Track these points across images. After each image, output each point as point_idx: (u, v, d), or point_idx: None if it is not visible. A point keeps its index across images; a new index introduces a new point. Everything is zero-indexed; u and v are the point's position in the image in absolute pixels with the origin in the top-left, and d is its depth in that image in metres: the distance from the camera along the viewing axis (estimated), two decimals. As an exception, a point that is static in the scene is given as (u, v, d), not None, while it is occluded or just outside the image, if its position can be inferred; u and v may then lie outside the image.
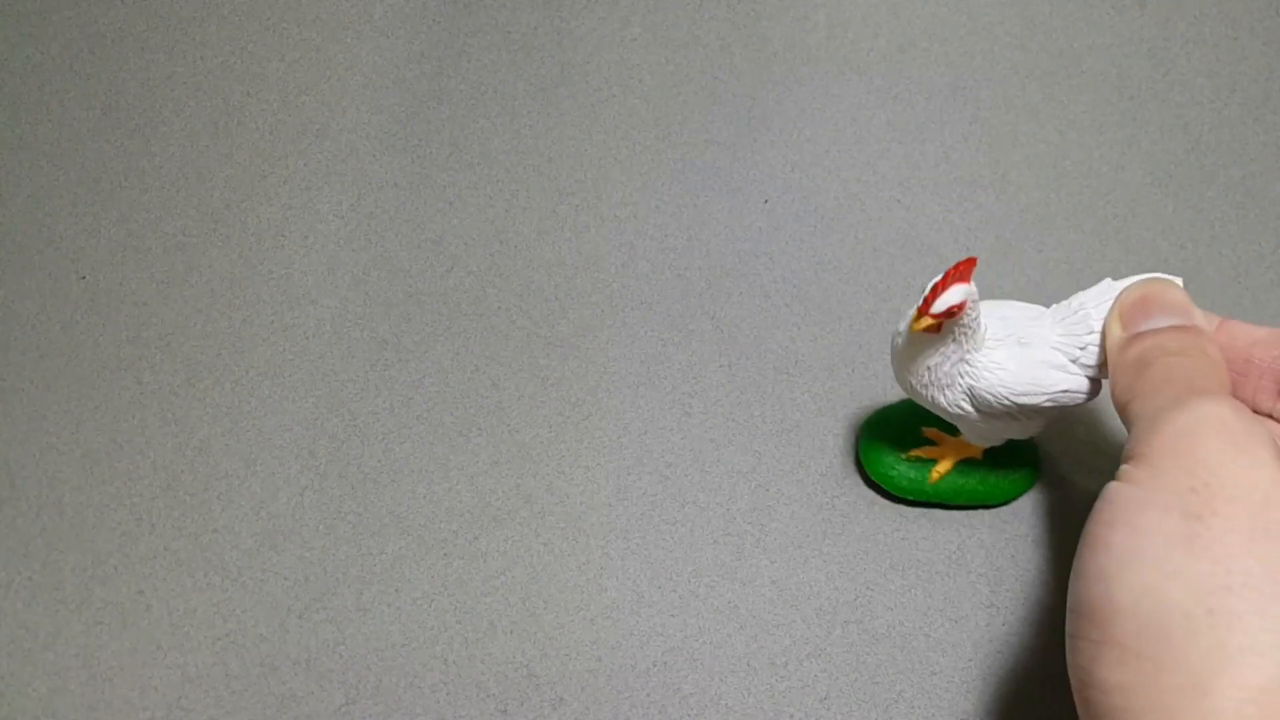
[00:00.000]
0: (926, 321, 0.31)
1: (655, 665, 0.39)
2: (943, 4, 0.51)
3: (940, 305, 0.31)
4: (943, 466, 0.39)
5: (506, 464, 0.42)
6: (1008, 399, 0.33)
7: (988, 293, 0.46)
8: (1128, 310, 0.31)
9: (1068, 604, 0.27)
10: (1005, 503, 0.41)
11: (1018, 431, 0.36)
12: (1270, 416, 0.32)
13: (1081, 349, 0.33)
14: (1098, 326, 0.32)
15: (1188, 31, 0.51)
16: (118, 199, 0.48)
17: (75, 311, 0.46)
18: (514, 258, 0.46)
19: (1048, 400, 0.33)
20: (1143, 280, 0.32)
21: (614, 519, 0.41)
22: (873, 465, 0.40)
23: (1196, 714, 0.23)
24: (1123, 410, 0.29)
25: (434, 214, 0.48)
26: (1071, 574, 0.27)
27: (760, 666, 0.39)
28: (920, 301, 0.31)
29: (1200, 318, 0.31)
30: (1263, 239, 0.46)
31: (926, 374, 0.34)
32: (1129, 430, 0.28)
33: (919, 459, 0.40)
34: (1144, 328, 0.31)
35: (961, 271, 0.31)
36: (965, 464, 0.40)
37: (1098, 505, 0.27)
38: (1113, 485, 0.27)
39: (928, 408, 0.35)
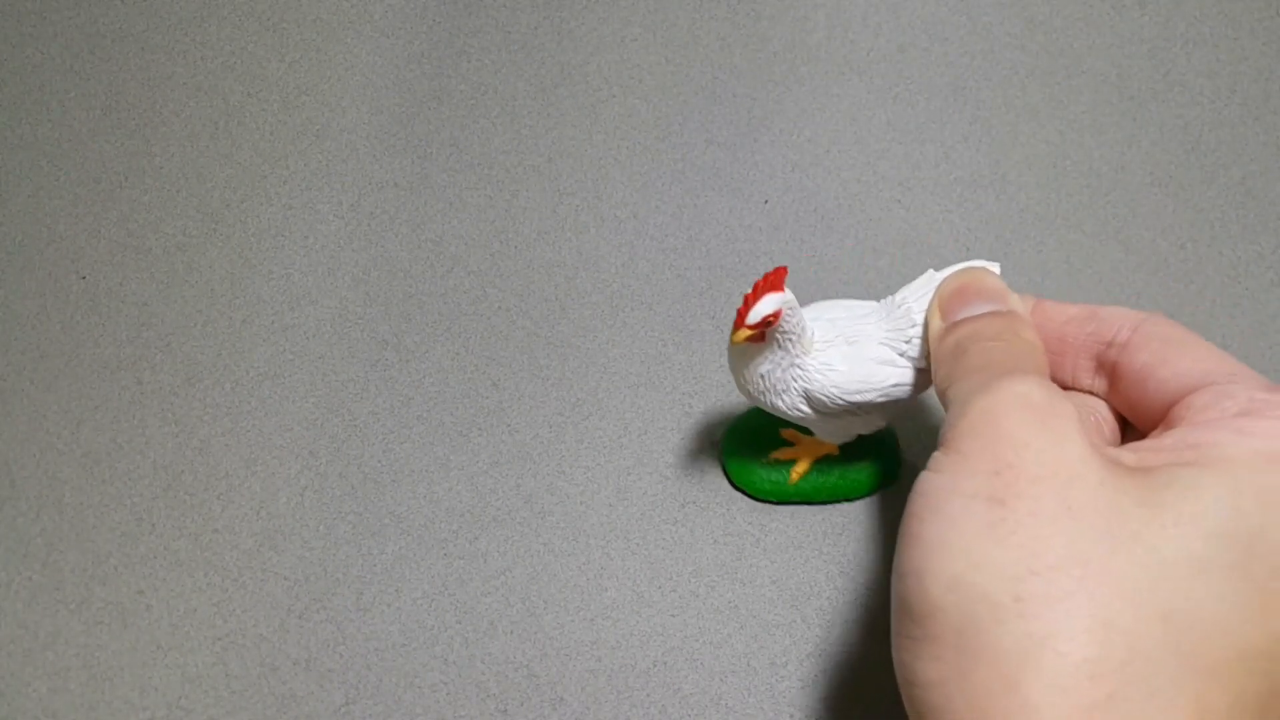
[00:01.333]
0: (745, 333, 0.32)
1: (655, 665, 0.39)
2: (943, 4, 0.51)
3: (754, 316, 0.31)
4: (800, 467, 0.40)
5: (506, 464, 0.42)
6: (841, 399, 0.34)
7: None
8: (946, 300, 0.32)
9: (891, 606, 0.27)
10: (868, 495, 0.41)
11: (862, 426, 0.37)
12: (1092, 393, 0.32)
13: (907, 342, 0.33)
14: (920, 319, 0.33)
15: (1188, 31, 0.50)
16: (118, 199, 0.48)
17: (75, 311, 0.46)
18: (514, 258, 0.46)
19: (879, 396, 0.34)
20: (960, 270, 0.32)
21: (614, 519, 0.41)
22: (736, 472, 0.41)
23: (1008, 708, 0.22)
24: (942, 398, 0.29)
25: (434, 214, 0.48)
26: (892, 571, 0.27)
27: (760, 666, 0.39)
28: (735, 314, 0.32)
29: (1016, 302, 0.31)
30: (1263, 239, 0.46)
31: (761, 381, 0.34)
32: (948, 410, 0.28)
33: (778, 461, 0.40)
34: (961, 316, 0.31)
35: (772, 281, 0.31)
36: (825, 461, 0.40)
37: (910, 497, 0.26)
38: (923, 475, 0.26)
39: (771, 412, 0.36)
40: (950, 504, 0.25)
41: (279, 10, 0.53)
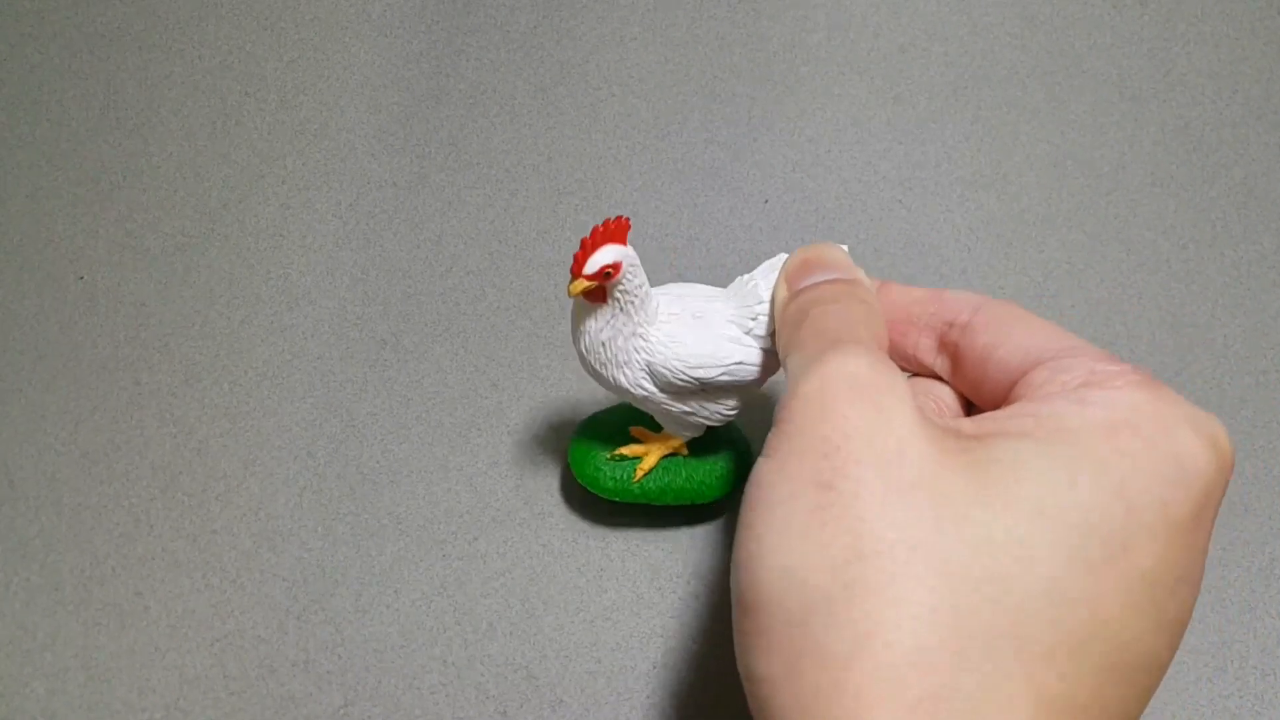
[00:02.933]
0: (581, 284, 0.30)
1: (655, 667, 0.39)
2: (943, 4, 0.51)
3: (592, 265, 0.30)
4: (647, 463, 0.38)
5: (506, 464, 0.42)
6: (684, 373, 0.33)
7: (988, 294, 0.46)
8: (792, 270, 0.31)
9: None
10: (715, 500, 0.39)
11: (709, 415, 0.35)
12: (935, 376, 0.31)
13: (753, 319, 0.33)
14: (766, 296, 0.33)
15: (1188, 31, 0.50)
16: (116, 199, 0.48)
17: (73, 312, 0.46)
18: (514, 258, 0.46)
19: (723, 373, 0.33)
20: (805, 247, 0.32)
21: (613, 520, 0.41)
22: (579, 467, 0.39)
23: (834, 703, 0.21)
24: (785, 368, 0.28)
25: (433, 213, 0.47)
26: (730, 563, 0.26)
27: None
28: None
29: (861, 274, 0.31)
30: (1264, 239, 0.46)
31: (602, 350, 0.33)
32: (787, 383, 0.27)
33: (623, 458, 0.38)
34: (805, 284, 0.30)
35: (612, 231, 0.30)
36: (671, 463, 0.38)
37: (747, 485, 0.25)
38: (759, 461, 0.25)
39: (612, 391, 0.34)
40: (779, 490, 0.24)
41: (277, 9, 0.53)
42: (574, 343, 0.34)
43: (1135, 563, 0.22)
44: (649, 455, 0.38)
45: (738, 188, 0.48)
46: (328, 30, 0.52)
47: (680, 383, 0.33)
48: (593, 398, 0.43)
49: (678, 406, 0.34)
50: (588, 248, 0.30)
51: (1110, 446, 0.23)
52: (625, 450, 0.38)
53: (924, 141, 0.48)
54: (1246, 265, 0.45)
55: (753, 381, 0.34)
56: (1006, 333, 0.28)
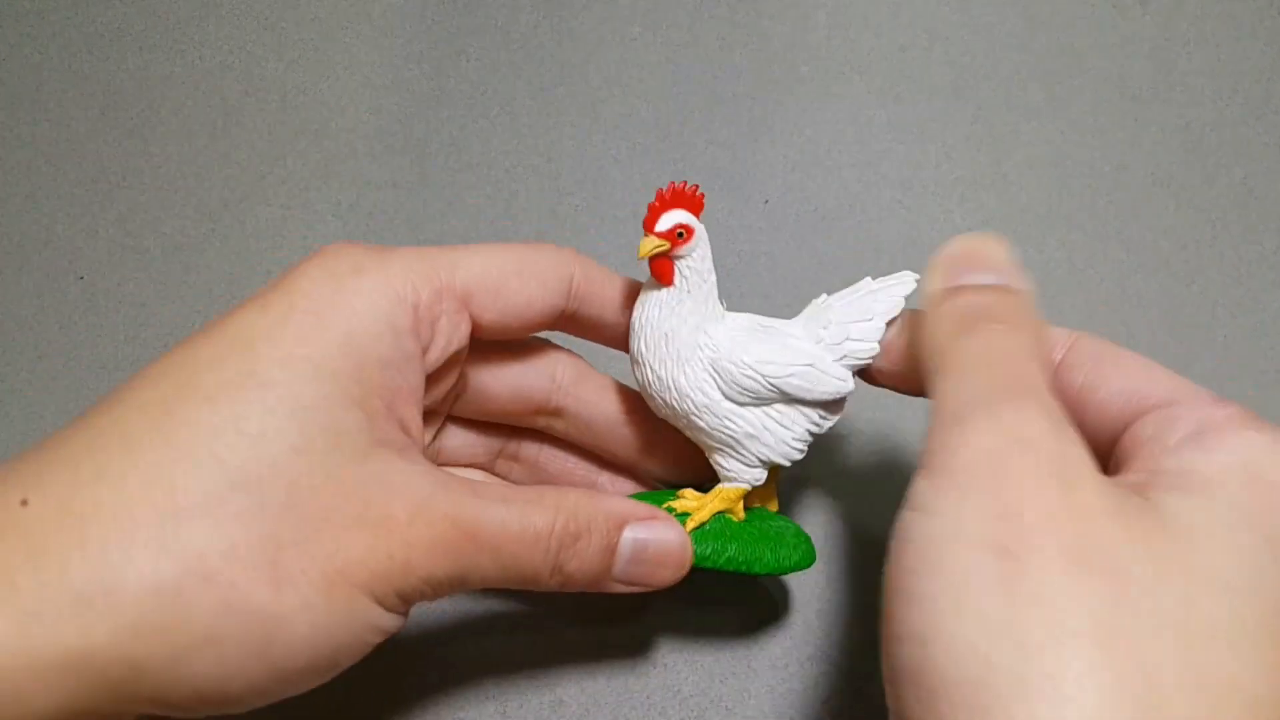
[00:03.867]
0: (653, 242, 0.28)
1: (655, 666, 0.38)
2: (944, 3, 0.51)
3: (666, 223, 0.28)
4: (700, 515, 0.33)
5: (506, 465, 0.42)
6: (751, 368, 0.30)
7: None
8: (950, 261, 0.28)
9: (883, 672, 0.23)
10: (765, 574, 0.35)
11: (775, 444, 0.32)
12: None
13: (824, 328, 0.31)
14: (836, 318, 0.32)
15: (1189, 31, 0.50)
16: (116, 199, 0.48)
17: (73, 312, 0.46)
18: (513, 258, 0.46)
19: (793, 374, 0.31)
20: (966, 236, 0.29)
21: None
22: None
23: None
24: (929, 375, 0.26)
25: (433, 214, 0.47)
26: (883, 635, 0.23)
27: (761, 668, 0.38)
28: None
29: (1028, 283, 0.28)
30: (1265, 239, 0.46)
31: (664, 345, 0.30)
32: (934, 409, 0.25)
33: (672, 510, 0.33)
34: (965, 281, 0.28)
35: (684, 196, 0.29)
36: (724, 525, 0.33)
37: (897, 545, 0.23)
38: (910, 516, 0.23)
39: (664, 406, 0.32)
40: (951, 554, 0.22)
41: (277, 9, 0.53)
42: (631, 343, 0.32)
43: None
44: (703, 508, 0.33)
45: (738, 188, 0.47)
46: (328, 30, 0.52)
47: (746, 382, 0.31)
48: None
49: (741, 426, 0.31)
50: (661, 204, 0.28)
51: (1256, 501, 0.23)
52: (677, 504, 0.33)
53: (924, 141, 0.48)
54: (1247, 266, 0.45)
55: (829, 397, 0.32)
56: (1104, 375, 0.28)
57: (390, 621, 0.27)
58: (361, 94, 0.50)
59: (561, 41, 0.51)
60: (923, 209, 0.47)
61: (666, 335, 0.31)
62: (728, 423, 0.31)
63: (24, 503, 0.22)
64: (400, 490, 0.26)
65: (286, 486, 0.24)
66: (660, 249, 0.29)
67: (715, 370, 0.31)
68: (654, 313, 0.31)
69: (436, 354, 0.29)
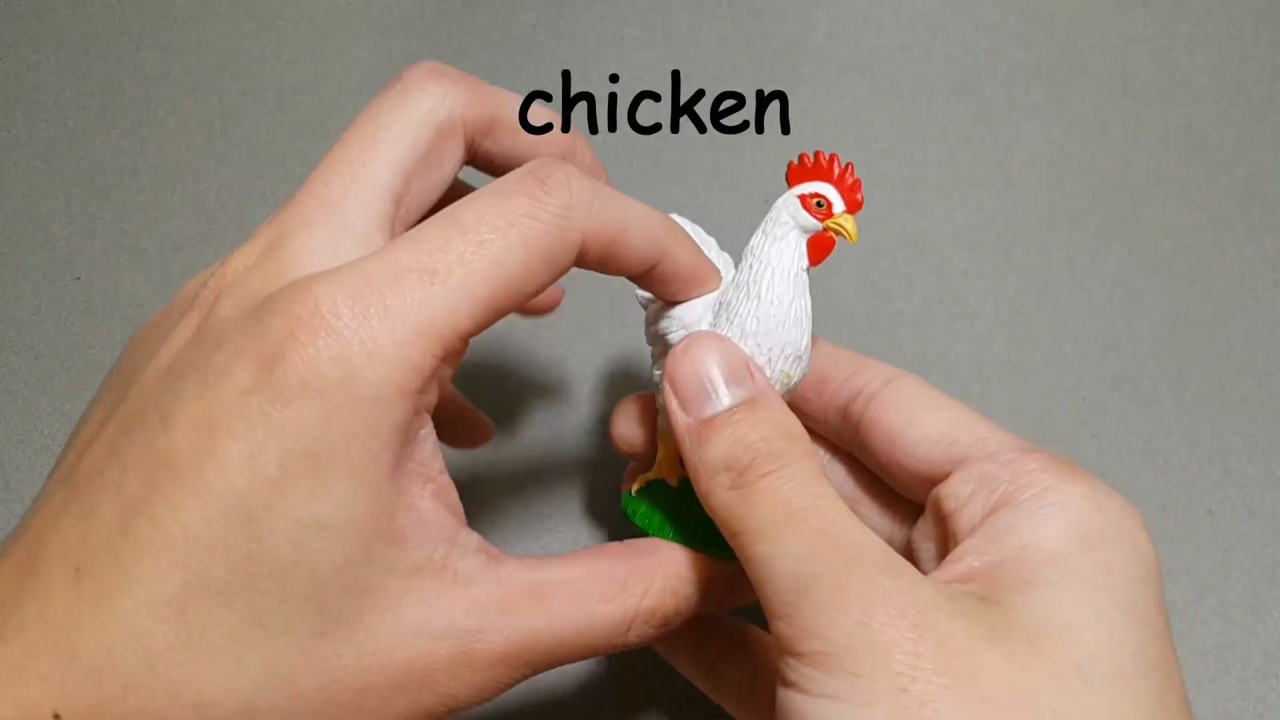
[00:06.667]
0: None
1: (656, 668, 0.38)
2: (945, 3, 0.51)
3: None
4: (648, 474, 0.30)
5: (506, 465, 0.42)
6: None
7: (989, 294, 0.45)
8: (684, 389, 0.26)
9: None
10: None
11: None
12: (835, 441, 0.32)
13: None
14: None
15: (1191, 30, 0.50)
16: (113, 199, 0.48)
17: (70, 312, 0.46)
18: (513, 258, 0.46)
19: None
20: (687, 347, 0.27)
21: (613, 521, 0.41)
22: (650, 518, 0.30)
23: None
24: (739, 543, 0.25)
25: (432, 214, 0.47)
26: None
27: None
28: (829, 202, 0.29)
29: (758, 375, 0.27)
30: (1267, 239, 0.46)
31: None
32: (763, 577, 0.24)
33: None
34: (708, 413, 0.26)
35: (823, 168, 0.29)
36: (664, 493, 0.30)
37: None
38: (803, 700, 0.22)
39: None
40: None
41: (276, 9, 0.52)
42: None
43: (1176, 678, 0.23)
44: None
45: (738, 188, 0.47)
46: (327, 30, 0.52)
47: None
48: (592, 398, 0.43)
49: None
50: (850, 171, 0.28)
51: (1101, 572, 0.24)
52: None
53: (925, 141, 0.48)
54: (1249, 266, 0.45)
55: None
56: (918, 418, 0.28)
57: None
58: (360, 94, 0.50)
59: (561, 41, 0.51)
60: (924, 209, 0.47)
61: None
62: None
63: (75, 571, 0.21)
64: (440, 636, 0.23)
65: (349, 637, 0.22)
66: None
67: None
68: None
69: (434, 396, 0.24)
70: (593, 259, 0.26)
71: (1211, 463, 0.42)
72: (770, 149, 0.48)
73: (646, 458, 0.32)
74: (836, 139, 0.48)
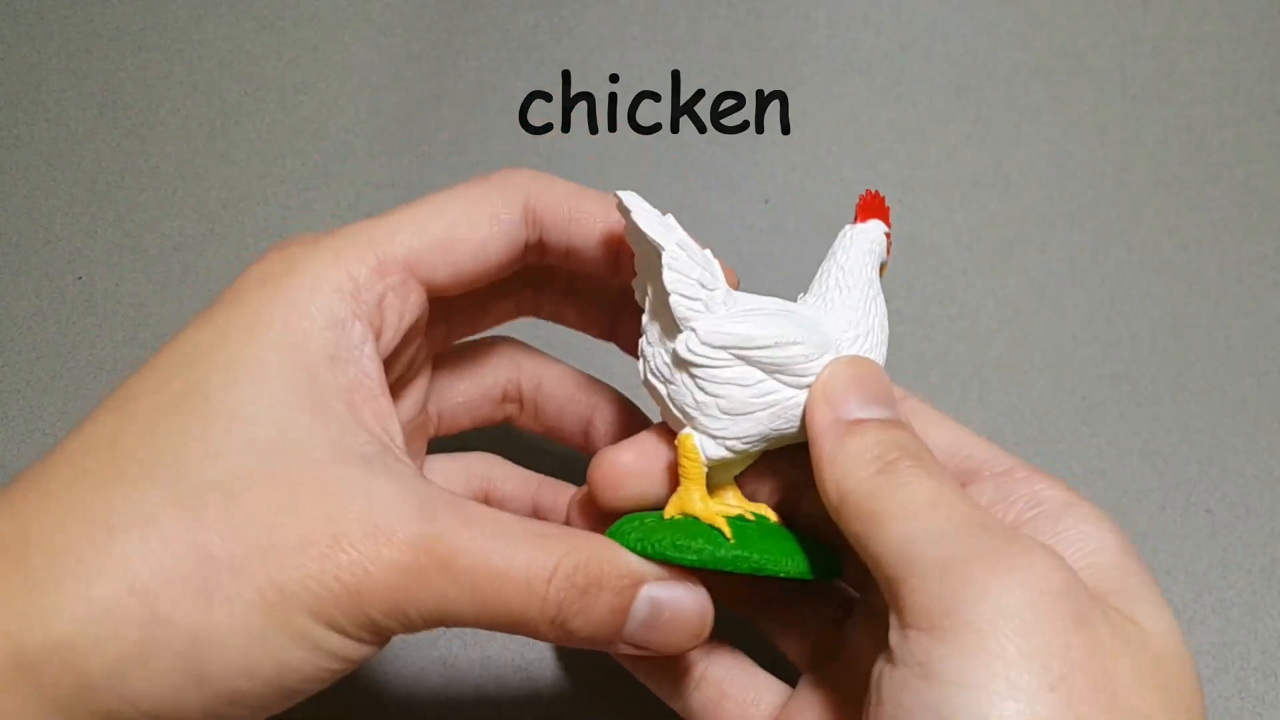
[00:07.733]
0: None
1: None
2: (945, 2, 0.51)
3: None
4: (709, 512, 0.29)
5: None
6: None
7: (989, 294, 0.45)
8: (839, 389, 0.28)
9: None
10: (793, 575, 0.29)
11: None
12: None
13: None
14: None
15: (1191, 31, 0.50)
16: (114, 199, 0.48)
17: (72, 312, 0.46)
18: (513, 258, 0.46)
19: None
20: (846, 361, 0.28)
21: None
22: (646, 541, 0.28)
23: None
24: (851, 515, 0.25)
25: (433, 214, 0.47)
26: None
27: (761, 667, 0.38)
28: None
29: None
30: (1266, 239, 0.46)
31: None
32: (889, 557, 0.24)
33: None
34: (859, 414, 0.27)
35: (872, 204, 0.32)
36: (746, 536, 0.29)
37: (895, 710, 0.23)
38: (919, 683, 0.22)
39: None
40: None
41: (276, 9, 0.52)
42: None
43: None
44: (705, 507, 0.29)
45: (738, 188, 0.47)
46: (327, 30, 0.52)
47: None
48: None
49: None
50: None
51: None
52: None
53: (925, 141, 0.48)
54: (1248, 266, 0.45)
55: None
56: (925, 432, 0.28)
57: (352, 650, 0.24)
58: (360, 93, 0.50)
59: (561, 41, 0.51)
60: (924, 209, 0.47)
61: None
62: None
63: None
64: (358, 505, 0.23)
65: (224, 504, 0.23)
66: None
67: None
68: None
69: (390, 334, 0.27)
70: (547, 236, 0.29)
71: (1210, 462, 0.42)
72: (770, 149, 0.48)
73: (636, 500, 0.31)
74: (836, 139, 0.48)
